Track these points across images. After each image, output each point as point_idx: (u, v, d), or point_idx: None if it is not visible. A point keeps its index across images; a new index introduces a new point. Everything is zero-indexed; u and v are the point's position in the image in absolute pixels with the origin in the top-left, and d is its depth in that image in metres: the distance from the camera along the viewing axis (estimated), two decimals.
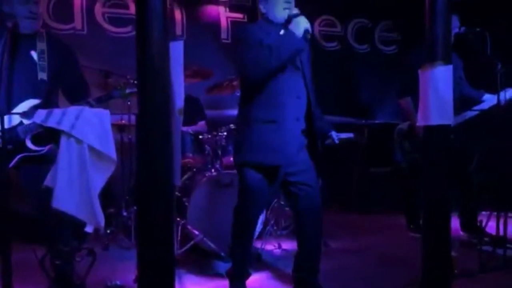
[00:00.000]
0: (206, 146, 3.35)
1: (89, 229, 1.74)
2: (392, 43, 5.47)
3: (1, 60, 1.90)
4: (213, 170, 3.21)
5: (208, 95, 3.73)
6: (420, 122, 2.10)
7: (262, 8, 2.25)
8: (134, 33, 4.48)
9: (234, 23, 4.71)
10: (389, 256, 3.08)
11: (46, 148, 2.16)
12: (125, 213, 3.58)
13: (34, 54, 2.22)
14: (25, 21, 2.20)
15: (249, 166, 2.21)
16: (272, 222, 3.44)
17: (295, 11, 2.14)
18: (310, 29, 2.11)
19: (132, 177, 3.62)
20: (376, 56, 5.40)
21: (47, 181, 1.78)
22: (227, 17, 4.75)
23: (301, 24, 2.07)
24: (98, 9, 4.19)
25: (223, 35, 4.71)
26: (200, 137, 3.37)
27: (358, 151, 4.78)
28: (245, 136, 2.24)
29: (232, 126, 3.24)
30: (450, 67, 2.01)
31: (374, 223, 4.12)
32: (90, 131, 1.71)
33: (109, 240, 3.33)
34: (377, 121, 4.98)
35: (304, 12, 5.14)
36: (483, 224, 3.18)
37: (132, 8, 4.27)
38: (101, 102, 2.21)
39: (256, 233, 3.22)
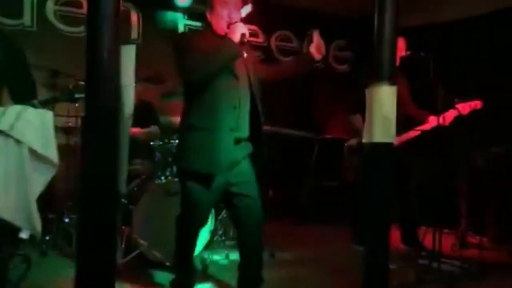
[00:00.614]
0: (157, 153, 3.29)
1: (24, 234, 1.65)
2: (345, 61, 5.68)
3: None
4: (163, 178, 3.16)
5: (163, 101, 3.68)
6: (365, 139, 2.20)
7: (208, 16, 2.29)
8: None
9: (191, 31, 4.70)
10: (333, 267, 3.15)
11: None
12: (66, 219, 3.43)
13: None
14: None
15: (186, 174, 2.22)
16: (220, 232, 3.42)
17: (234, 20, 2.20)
18: (247, 33, 2.15)
19: (75, 181, 3.48)
20: (330, 73, 5.58)
21: None
22: (185, 24, 4.74)
23: (238, 29, 2.12)
24: (50, 6, 4.04)
25: None
26: (151, 143, 3.31)
27: (309, 164, 4.88)
28: (183, 144, 2.29)
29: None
30: (395, 88, 2.12)
31: (321, 235, 4.21)
32: (31, 133, 1.63)
33: (48, 246, 3.17)
34: (328, 136, 5.12)
35: (262, 26, 5.20)
36: (421, 238, 3.36)
37: (86, 7, 4.15)
38: (47, 104, 2.12)
39: (204, 243, 3.20)
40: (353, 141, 3.52)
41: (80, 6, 4.15)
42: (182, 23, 4.73)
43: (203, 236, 3.13)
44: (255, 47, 5.11)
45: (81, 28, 4.08)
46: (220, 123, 2.14)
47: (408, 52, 3.21)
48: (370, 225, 2.19)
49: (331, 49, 5.62)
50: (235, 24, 2.15)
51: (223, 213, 3.45)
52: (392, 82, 2.13)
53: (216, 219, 3.34)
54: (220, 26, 2.22)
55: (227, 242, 3.47)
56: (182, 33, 4.27)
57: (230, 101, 2.17)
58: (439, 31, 4.74)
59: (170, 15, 4.68)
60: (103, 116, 1.63)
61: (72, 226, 3.35)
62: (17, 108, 1.71)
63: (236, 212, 2.27)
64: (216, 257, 3.19)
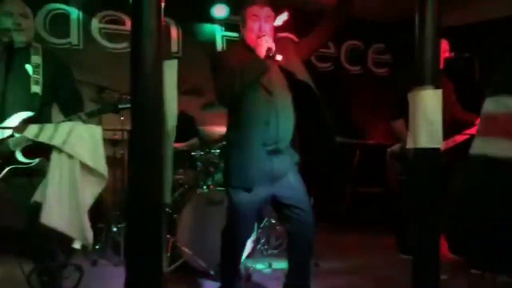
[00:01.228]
0: (198, 162, 3.35)
1: (77, 245, 1.73)
2: (385, 65, 5.57)
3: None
4: (204, 187, 3.21)
5: (202, 112, 3.75)
6: (409, 144, 2.13)
7: (241, 29, 2.33)
8: (130, 49, 4.47)
9: (229, 42, 4.78)
10: (379, 278, 3.07)
11: (36, 161, 2.16)
12: (114, 229, 3.55)
13: (29, 68, 2.24)
14: (12, 33, 2.20)
15: (230, 187, 2.27)
16: (263, 240, 3.42)
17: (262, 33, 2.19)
18: (273, 47, 2.13)
19: (123, 192, 3.61)
20: (369, 77, 5.49)
21: (36, 196, 1.77)
22: (222, 36, 4.82)
23: (263, 44, 2.11)
24: (95, 24, 4.23)
25: None
26: (193, 153, 3.38)
27: (350, 170, 4.80)
28: (225, 158, 2.39)
29: (224, 143, 3.26)
30: (439, 91, 2.05)
31: (365, 243, 4.11)
32: (82, 147, 1.72)
33: (98, 256, 3.29)
34: (369, 142, 5.02)
35: (298, 33, 5.18)
36: None
37: (129, 24, 4.32)
38: (92, 116, 2.22)
39: (247, 252, 3.22)
40: (395, 147, 3.43)
41: (123, 23, 4.32)
42: (219, 34, 4.82)
43: (246, 244, 3.15)
44: None
45: (124, 44, 4.25)
46: (252, 139, 2.17)
47: (452, 53, 3.11)
48: (418, 234, 2.12)
49: (369, 53, 5.54)
50: (261, 38, 2.14)
51: (265, 222, 3.45)
52: (436, 85, 2.07)
53: (258, 228, 3.35)
54: (250, 38, 2.24)
55: (270, 251, 3.46)
56: (217, 52, 4.36)
57: (261, 117, 2.17)
58: (482, 30, 4.55)
59: (208, 27, 4.79)
60: (148, 130, 1.68)
61: (119, 235, 3.46)
62: (68, 124, 1.81)
63: (287, 222, 2.29)
64: (259, 265, 3.19)
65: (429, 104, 2.05)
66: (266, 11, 2.24)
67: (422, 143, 2.04)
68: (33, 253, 2.13)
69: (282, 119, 2.21)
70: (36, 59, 2.26)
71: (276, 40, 2.22)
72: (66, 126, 1.77)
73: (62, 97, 2.38)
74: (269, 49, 2.11)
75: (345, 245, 4.09)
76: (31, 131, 1.77)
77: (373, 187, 4.67)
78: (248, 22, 2.24)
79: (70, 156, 1.69)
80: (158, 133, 1.69)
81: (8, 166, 2.11)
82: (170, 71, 1.72)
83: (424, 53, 2.09)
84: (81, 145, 1.71)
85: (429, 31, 2.10)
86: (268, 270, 3.17)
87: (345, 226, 4.61)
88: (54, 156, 1.70)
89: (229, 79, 2.12)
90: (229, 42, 4.79)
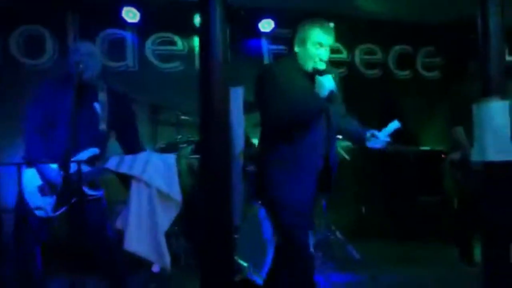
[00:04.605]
0: (252, 177, 3.39)
1: (155, 269, 1.81)
2: (435, 68, 5.41)
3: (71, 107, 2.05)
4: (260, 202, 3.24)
5: (254, 128, 3.80)
6: (474, 157, 2.07)
7: (296, 48, 2.30)
8: (181, 68, 4.58)
9: (276, 56, 4.81)
10: None
11: (100, 192, 2.29)
12: (172, 241, 3.65)
13: (97, 106, 2.35)
14: (81, 69, 2.28)
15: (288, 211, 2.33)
16: (320, 254, 3.41)
17: (323, 66, 2.21)
18: (335, 89, 2.16)
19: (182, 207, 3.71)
20: (419, 81, 5.34)
21: (118, 223, 1.88)
22: (269, 49, 4.87)
23: (326, 85, 2.12)
24: (148, 47, 4.41)
25: None
26: (247, 169, 3.42)
27: (404, 179, 4.69)
28: (274, 181, 2.40)
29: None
30: (507, 102, 1.99)
31: (423, 254, 3.98)
32: (158, 175, 1.81)
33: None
34: (421, 148, 4.89)
35: (345, 41, 5.05)
36: None
37: (180, 45, 4.48)
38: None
39: None
40: (455, 155, 3.32)
41: (174, 44, 4.47)
42: (266, 48, 4.88)
43: None
44: (338, 63, 5.08)
45: (176, 64, 4.40)
46: (310, 167, 2.24)
47: None
48: (488, 246, 2.05)
49: (418, 57, 5.40)
50: (323, 77, 2.15)
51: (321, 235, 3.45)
52: (503, 96, 2.00)
53: (314, 242, 3.34)
54: (307, 64, 2.25)
55: (327, 264, 3.44)
56: (266, 67, 4.39)
57: (318, 146, 2.25)
58: None
59: (254, 42, 4.85)
60: (217, 153, 1.74)
61: (179, 248, 3.56)
62: (145, 154, 1.91)
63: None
64: (318, 278, 3.18)
65: (496, 116, 1.99)
66: (331, 40, 2.24)
67: (490, 156, 1.98)
68: (108, 270, 2.25)
69: (332, 150, 2.33)
70: (102, 96, 2.36)
71: None
72: (143, 156, 1.87)
73: (122, 133, 2.45)
74: (330, 92, 2.14)
75: (403, 257, 3.97)
76: (112, 163, 1.88)
77: (429, 195, 4.53)
78: (309, 48, 2.22)
79: (148, 185, 1.79)
80: (226, 156, 1.75)
81: (75, 197, 2.16)
82: (237, 97, 1.78)
83: (489, 63, 2.04)
84: (158, 173, 1.80)
85: (493, 40, 2.04)
86: (326, 284, 3.15)
87: (401, 237, 4.49)
88: (134, 185, 1.80)
89: (287, 109, 2.12)
90: (276, 55, 4.83)
